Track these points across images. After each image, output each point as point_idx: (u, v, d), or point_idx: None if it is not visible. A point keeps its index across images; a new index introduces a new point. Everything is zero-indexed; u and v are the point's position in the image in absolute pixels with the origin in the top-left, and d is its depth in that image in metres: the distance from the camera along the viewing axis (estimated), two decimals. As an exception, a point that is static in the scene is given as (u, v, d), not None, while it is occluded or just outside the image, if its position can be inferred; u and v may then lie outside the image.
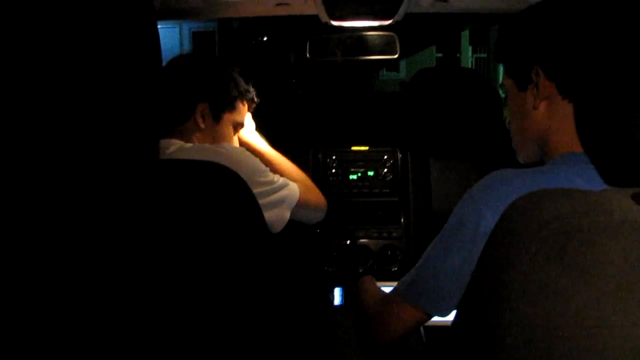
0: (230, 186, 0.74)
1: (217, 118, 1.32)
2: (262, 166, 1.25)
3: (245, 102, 1.40)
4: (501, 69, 1.07)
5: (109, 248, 0.61)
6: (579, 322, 0.64)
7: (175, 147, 1.22)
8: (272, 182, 1.24)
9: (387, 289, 1.15)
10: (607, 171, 0.77)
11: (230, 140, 1.38)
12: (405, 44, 2.17)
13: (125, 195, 0.62)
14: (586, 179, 0.79)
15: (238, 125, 1.40)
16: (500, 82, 1.05)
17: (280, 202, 1.25)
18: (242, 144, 1.49)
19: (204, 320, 0.65)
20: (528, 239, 0.67)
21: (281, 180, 1.28)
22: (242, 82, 1.39)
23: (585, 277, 0.64)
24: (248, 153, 1.25)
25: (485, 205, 0.82)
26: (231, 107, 1.35)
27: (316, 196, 1.45)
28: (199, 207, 0.68)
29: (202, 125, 1.29)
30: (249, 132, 1.53)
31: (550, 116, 0.89)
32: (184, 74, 1.30)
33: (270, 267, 0.79)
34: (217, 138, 1.33)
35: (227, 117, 1.35)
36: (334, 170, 1.93)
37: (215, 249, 0.67)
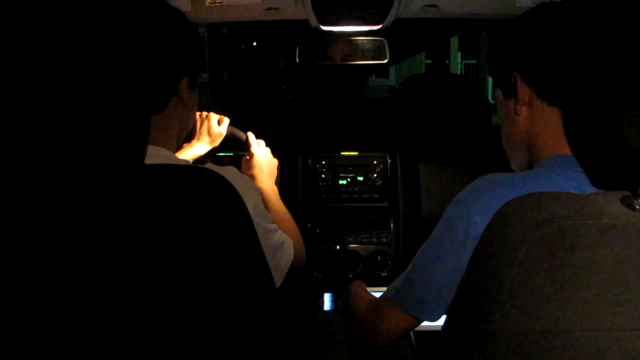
0: (225, 196, 0.73)
1: (193, 87, 0.99)
2: (265, 210, 1.01)
3: None
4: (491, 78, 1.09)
5: (96, 253, 0.60)
6: (569, 326, 0.64)
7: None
8: (274, 231, 1.03)
9: (377, 294, 1.14)
10: (595, 174, 0.78)
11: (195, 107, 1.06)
12: (395, 50, 2.18)
13: (110, 201, 0.61)
14: (574, 182, 0.79)
15: None
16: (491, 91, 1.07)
17: (276, 269, 1.02)
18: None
19: (192, 324, 0.64)
20: (517, 242, 0.67)
21: (278, 234, 1.06)
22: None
23: (575, 280, 0.64)
24: (255, 185, 1.01)
25: (474, 209, 0.82)
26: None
27: (301, 251, 1.23)
28: (192, 212, 0.67)
29: (183, 106, 0.97)
30: (260, 167, 1.43)
31: (533, 121, 0.91)
32: (156, 46, 0.88)
33: (260, 273, 0.78)
34: (193, 108, 1.03)
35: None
36: (323, 176, 1.92)
37: (205, 255, 0.66)
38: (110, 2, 0.63)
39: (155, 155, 0.90)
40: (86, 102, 0.55)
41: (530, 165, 0.94)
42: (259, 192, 1.02)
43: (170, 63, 0.93)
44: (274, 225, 1.05)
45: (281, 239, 1.08)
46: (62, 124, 0.53)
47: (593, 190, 0.76)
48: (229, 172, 0.93)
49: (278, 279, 1.03)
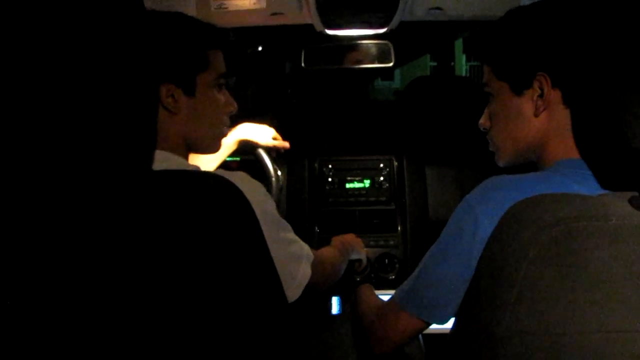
0: (231, 201, 0.73)
1: (190, 91, 0.99)
2: (280, 218, 1.04)
3: (219, 49, 1.06)
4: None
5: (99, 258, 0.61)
6: (578, 328, 0.64)
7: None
8: (291, 242, 1.06)
9: (385, 297, 1.14)
10: (604, 176, 0.77)
11: (218, 110, 1.07)
12: (400, 52, 2.18)
13: (116, 207, 0.62)
14: (583, 185, 0.79)
15: (221, 79, 1.07)
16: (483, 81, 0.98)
17: (291, 280, 1.03)
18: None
19: (198, 327, 0.64)
20: (526, 244, 0.66)
21: (296, 246, 1.08)
22: (204, 26, 1.05)
23: (584, 282, 0.64)
24: (266, 192, 1.02)
25: (483, 211, 0.82)
26: (203, 66, 1.02)
27: (325, 272, 1.23)
28: (196, 216, 0.68)
29: (175, 109, 0.98)
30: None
31: (550, 123, 0.87)
32: (133, 54, 0.87)
33: (266, 280, 0.78)
34: (200, 115, 1.03)
35: (204, 80, 1.02)
36: (330, 179, 1.93)
37: (209, 260, 0.67)
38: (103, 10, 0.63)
39: (164, 159, 0.91)
40: (87, 104, 0.56)
41: (535, 168, 0.93)
42: (271, 199, 1.02)
43: (143, 71, 0.93)
44: (292, 236, 1.06)
45: (300, 252, 1.08)
46: (67, 127, 0.54)
47: (602, 192, 0.75)
48: (238, 177, 0.94)
49: (294, 291, 1.03)
